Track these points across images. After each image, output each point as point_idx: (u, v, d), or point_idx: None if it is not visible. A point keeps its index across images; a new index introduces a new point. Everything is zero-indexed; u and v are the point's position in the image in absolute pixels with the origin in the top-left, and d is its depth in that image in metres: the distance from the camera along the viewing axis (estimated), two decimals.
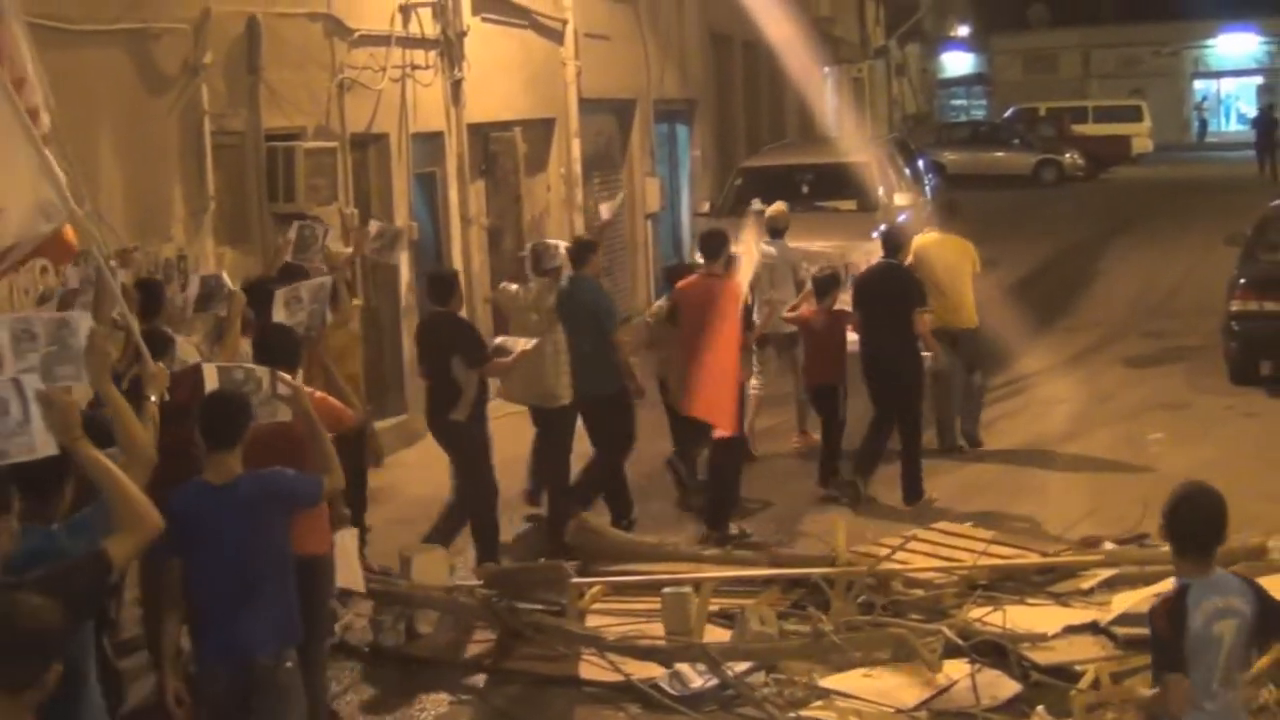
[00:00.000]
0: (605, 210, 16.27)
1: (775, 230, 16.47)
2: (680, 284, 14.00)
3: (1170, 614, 6.36)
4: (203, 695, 7.58)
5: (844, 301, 15.03)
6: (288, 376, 8.40)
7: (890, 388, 14.45)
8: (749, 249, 13.76)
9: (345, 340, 12.38)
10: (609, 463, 13.70)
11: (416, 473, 15.21)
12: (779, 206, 17.02)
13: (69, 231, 8.69)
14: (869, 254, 16.37)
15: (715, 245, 13.86)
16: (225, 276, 11.82)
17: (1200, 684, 6.32)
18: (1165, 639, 6.34)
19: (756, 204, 16.63)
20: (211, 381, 8.11)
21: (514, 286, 13.86)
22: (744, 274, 13.63)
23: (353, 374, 12.19)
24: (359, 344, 13.03)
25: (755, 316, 14.70)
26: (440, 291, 12.69)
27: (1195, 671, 6.31)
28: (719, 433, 13.15)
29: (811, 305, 14.94)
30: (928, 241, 16.19)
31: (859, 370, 14.77)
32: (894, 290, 14.54)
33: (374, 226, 14.64)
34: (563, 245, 14.06)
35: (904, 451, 14.52)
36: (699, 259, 14.35)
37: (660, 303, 14.85)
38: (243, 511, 7.51)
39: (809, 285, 15.24)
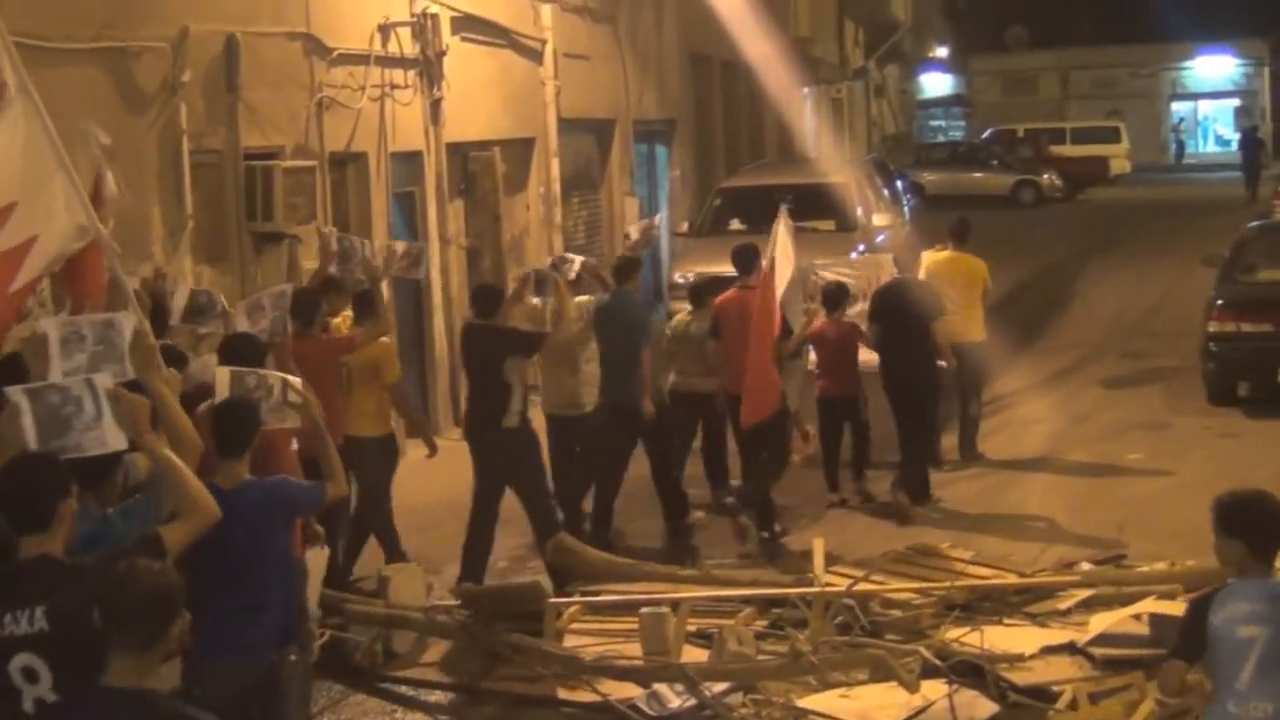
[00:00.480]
0: (635, 230, 16.16)
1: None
2: (718, 300, 14.37)
3: (1193, 604, 6.68)
4: (204, 699, 7.46)
5: (855, 315, 15.37)
6: (298, 383, 8.49)
7: (910, 397, 14.86)
8: (786, 253, 14.07)
9: (380, 352, 12.62)
10: (662, 466, 14.38)
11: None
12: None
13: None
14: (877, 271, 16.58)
15: (748, 259, 14.29)
16: (220, 297, 11.85)
17: (1221, 682, 6.48)
18: (1180, 626, 6.67)
19: (735, 224, 16.69)
20: (223, 386, 8.26)
21: (535, 300, 14.04)
22: (783, 279, 13.83)
23: (392, 384, 12.63)
24: (394, 355, 13.19)
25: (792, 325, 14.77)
26: (486, 304, 12.89)
27: (1218, 669, 6.49)
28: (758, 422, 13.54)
29: (821, 317, 15.08)
30: (941, 259, 16.60)
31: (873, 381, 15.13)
32: (912, 303, 14.90)
33: (400, 245, 14.73)
34: (579, 260, 14.54)
35: (914, 454, 14.99)
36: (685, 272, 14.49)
37: (681, 317, 15.04)
38: (248, 516, 7.56)
39: (817, 298, 15.42)
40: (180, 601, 5.34)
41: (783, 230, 14.06)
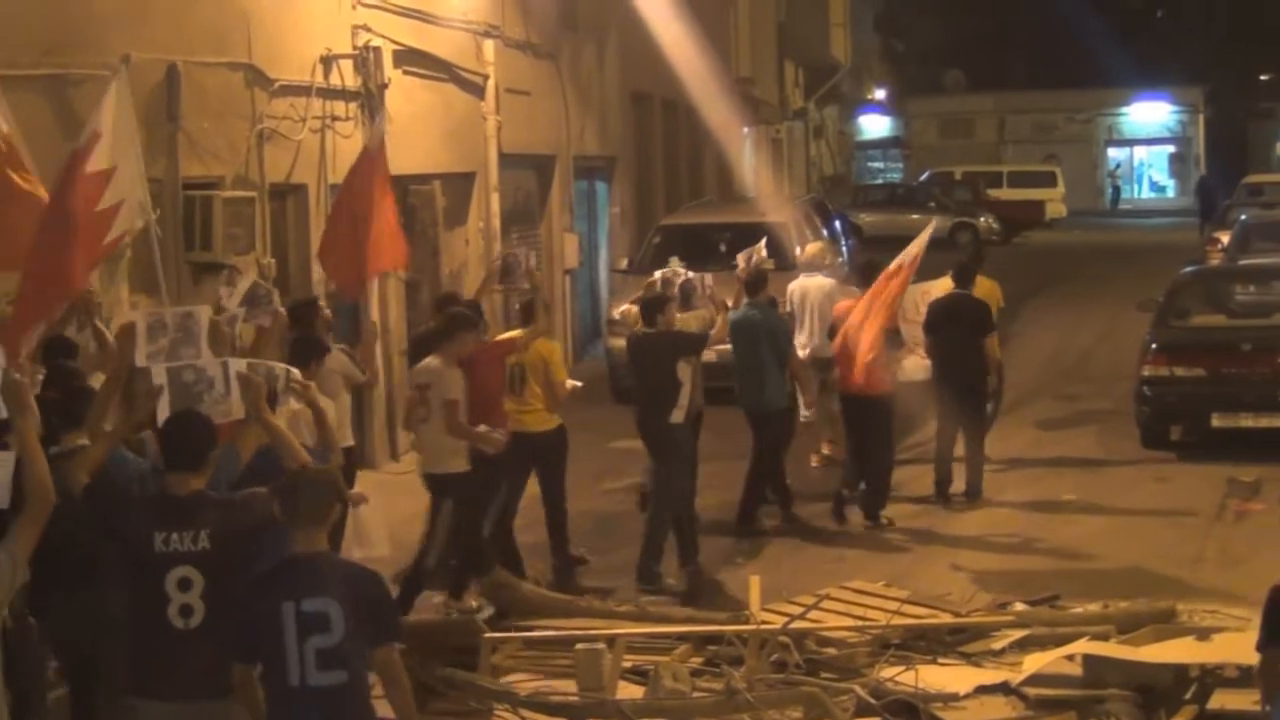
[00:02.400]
0: (741, 260, 16.20)
1: (814, 266, 18.43)
2: (836, 308, 16.49)
3: (1276, 592, 6.85)
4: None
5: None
6: (240, 364, 8.87)
7: (961, 402, 16.36)
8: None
9: (548, 350, 13.71)
10: (771, 464, 15.62)
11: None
12: (817, 245, 19.43)
13: None
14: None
15: (871, 275, 16.09)
16: (275, 292, 12.64)
17: None
18: (1264, 615, 6.86)
19: (674, 260, 16.92)
20: (160, 378, 8.61)
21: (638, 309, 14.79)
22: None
23: (556, 380, 13.65)
24: (556, 353, 14.07)
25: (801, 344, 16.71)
26: (652, 313, 13.97)
27: None
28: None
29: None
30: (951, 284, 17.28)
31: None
32: (965, 317, 16.47)
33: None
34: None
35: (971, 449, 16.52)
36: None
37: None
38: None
39: None
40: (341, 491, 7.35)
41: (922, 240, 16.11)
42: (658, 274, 15.78)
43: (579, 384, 14.40)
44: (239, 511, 7.49)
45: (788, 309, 17.92)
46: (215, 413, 8.29)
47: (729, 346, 15.36)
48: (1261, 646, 6.92)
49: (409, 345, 15.03)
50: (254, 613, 7.06)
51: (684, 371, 13.80)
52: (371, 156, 13.60)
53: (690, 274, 15.77)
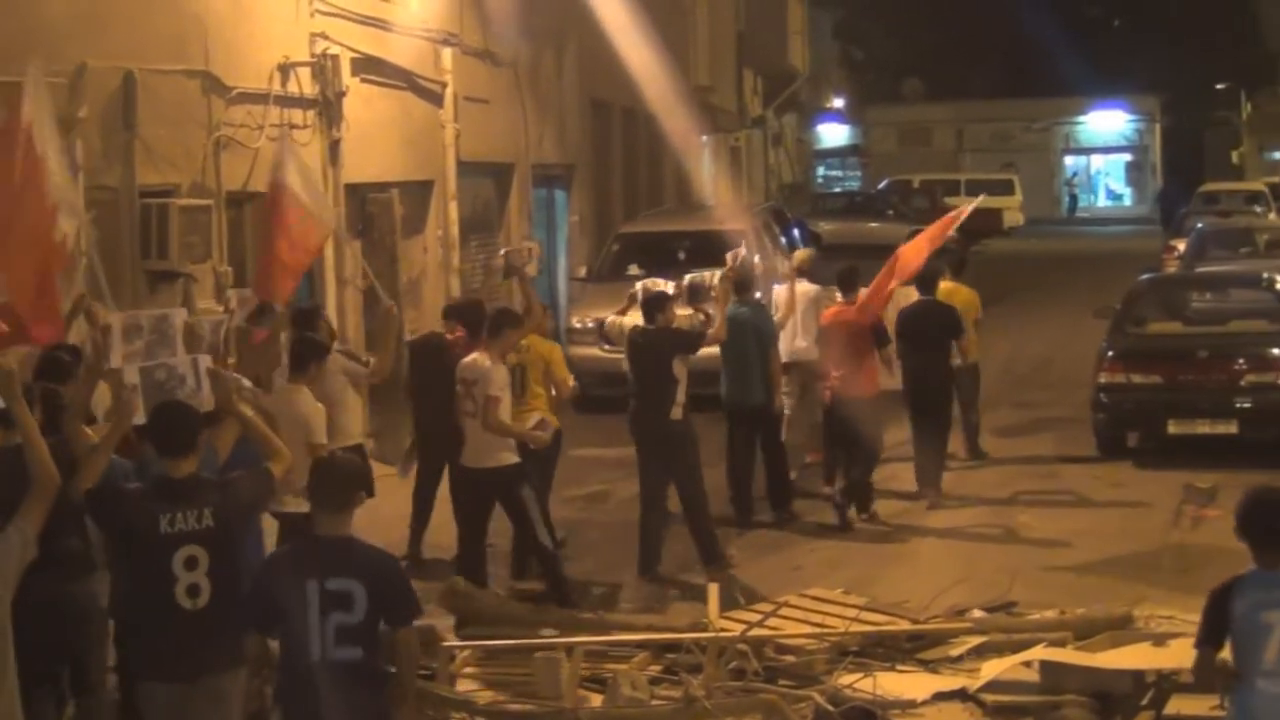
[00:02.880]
0: (729, 259, 16.08)
1: (803, 271, 18.32)
2: (823, 315, 16.85)
3: (1213, 595, 7.39)
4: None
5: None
6: (208, 360, 9.49)
7: (927, 405, 16.82)
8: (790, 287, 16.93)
9: (548, 351, 14.20)
10: (747, 461, 16.12)
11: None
12: (805, 252, 19.50)
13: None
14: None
15: (851, 280, 16.51)
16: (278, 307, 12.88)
17: (1248, 665, 7.23)
18: (1203, 616, 7.40)
19: (634, 269, 17.07)
20: (132, 378, 9.00)
21: (624, 319, 15.40)
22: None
23: (559, 379, 14.23)
24: (557, 353, 14.55)
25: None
26: (653, 311, 14.34)
27: (1242, 653, 7.25)
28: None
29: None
30: (943, 289, 17.77)
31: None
32: (934, 323, 16.98)
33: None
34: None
35: (933, 450, 16.97)
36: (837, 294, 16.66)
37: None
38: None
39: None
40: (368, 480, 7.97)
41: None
42: (638, 286, 15.78)
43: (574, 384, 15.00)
44: (236, 490, 8.04)
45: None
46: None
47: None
48: (1198, 644, 7.46)
49: (410, 351, 15.16)
50: (278, 588, 7.51)
51: (680, 369, 14.13)
52: (275, 187, 12.92)
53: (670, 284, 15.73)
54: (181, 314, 10.01)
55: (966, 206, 18.06)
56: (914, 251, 16.74)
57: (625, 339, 14.87)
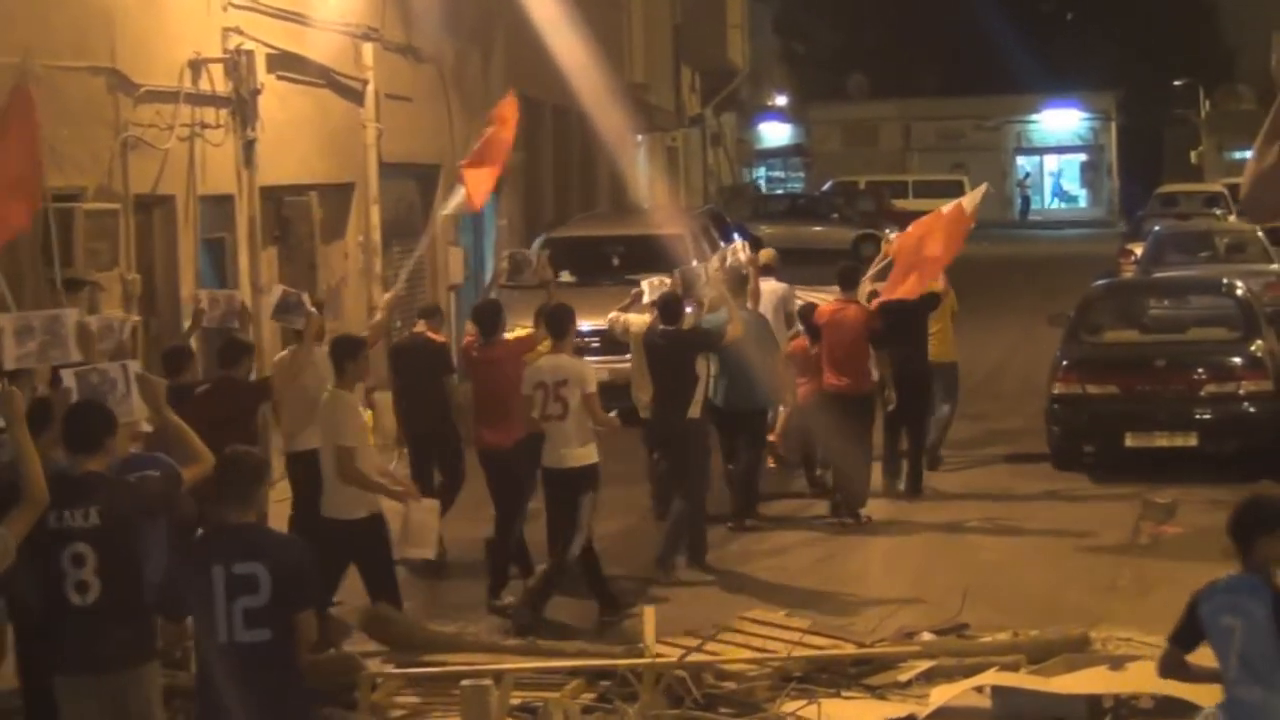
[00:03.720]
0: (716, 260, 17.22)
1: (769, 270, 18.63)
2: (820, 310, 17.33)
3: (1192, 597, 7.65)
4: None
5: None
6: (136, 365, 10.18)
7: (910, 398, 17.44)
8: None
9: None
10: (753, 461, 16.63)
11: None
12: (770, 252, 19.73)
13: None
14: None
15: (852, 277, 17.46)
16: (305, 297, 14.36)
17: (1221, 669, 7.52)
18: (1184, 613, 7.67)
19: (565, 276, 17.17)
20: (69, 381, 9.64)
21: (633, 317, 16.10)
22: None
23: None
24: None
25: None
26: (670, 312, 15.02)
27: (1219, 659, 7.54)
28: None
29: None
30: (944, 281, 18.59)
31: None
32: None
33: (205, 295, 15.35)
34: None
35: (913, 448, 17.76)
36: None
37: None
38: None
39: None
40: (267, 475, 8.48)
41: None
42: (644, 284, 16.44)
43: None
44: (130, 491, 8.51)
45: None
46: (119, 412, 9.19)
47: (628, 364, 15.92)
48: (1170, 638, 7.79)
49: (393, 354, 16.15)
50: (184, 574, 8.09)
51: (701, 367, 15.11)
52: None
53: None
54: (73, 314, 10.54)
55: (976, 193, 19.25)
56: (938, 246, 17.74)
57: (633, 337, 15.76)
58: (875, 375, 17.13)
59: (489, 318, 14.34)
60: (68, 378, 9.74)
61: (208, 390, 12.95)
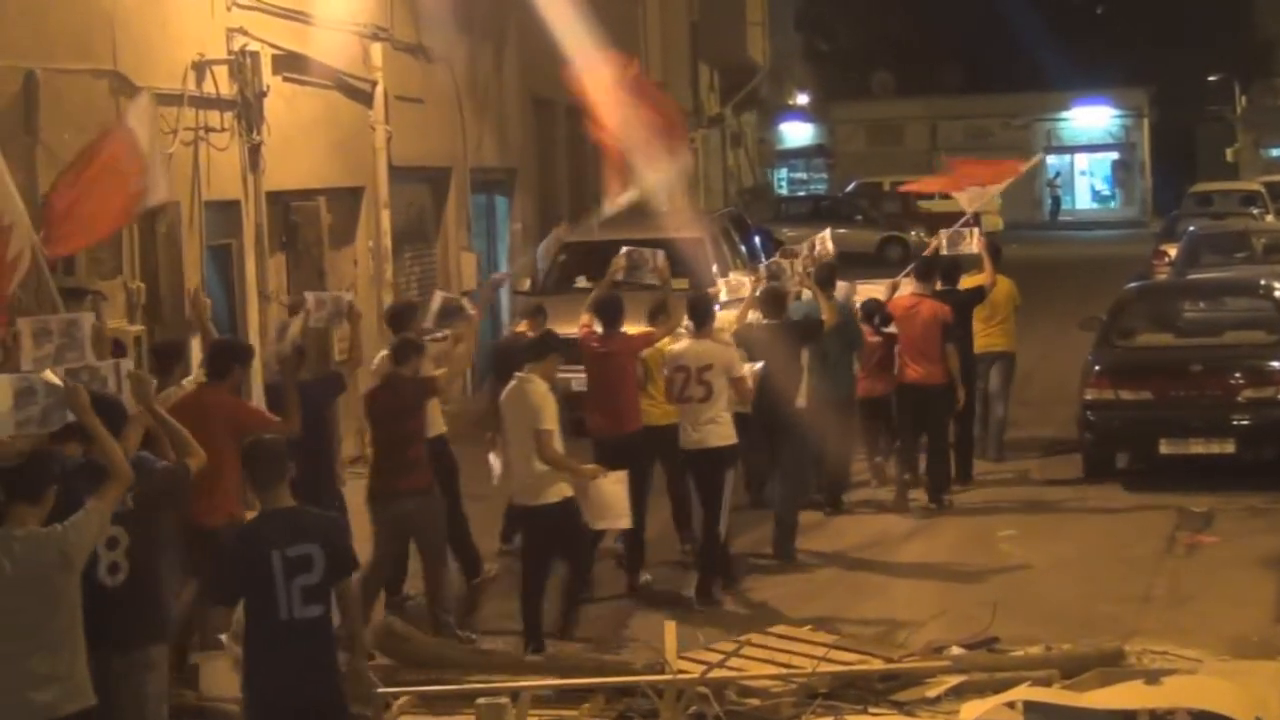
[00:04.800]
0: (805, 248, 17.92)
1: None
2: (895, 303, 18.18)
3: None
4: None
5: None
6: (129, 363, 10.58)
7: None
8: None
9: (662, 349, 15.16)
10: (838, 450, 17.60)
11: None
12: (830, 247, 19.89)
13: None
14: None
15: (929, 271, 18.48)
16: (465, 301, 15.63)
17: None
18: None
19: (582, 281, 17.38)
20: (56, 380, 9.64)
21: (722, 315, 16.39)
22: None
23: None
24: None
25: None
26: (774, 306, 16.02)
27: None
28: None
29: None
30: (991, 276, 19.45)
31: None
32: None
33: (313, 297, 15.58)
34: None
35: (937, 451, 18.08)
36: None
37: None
38: None
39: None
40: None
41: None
42: (721, 283, 17.90)
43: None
44: (159, 477, 9.24)
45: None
46: (54, 419, 9.51)
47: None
48: None
49: (493, 352, 17.39)
50: (243, 561, 8.92)
51: (805, 358, 16.01)
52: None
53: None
54: (89, 318, 11.24)
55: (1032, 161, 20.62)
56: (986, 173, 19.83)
57: (740, 336, 16.04)
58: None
59: (611, 311, 14.98)
60: (55, 376, 9.72)
61: (378, 387, 13.77)
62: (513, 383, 13.24)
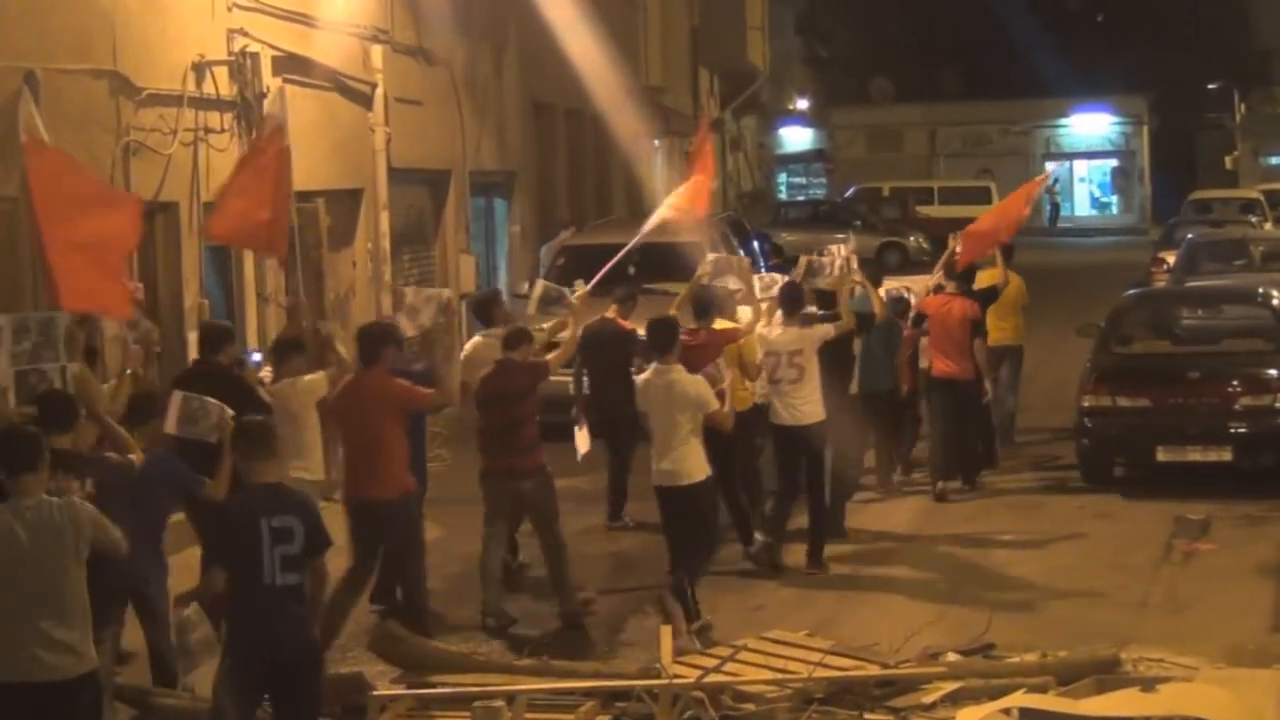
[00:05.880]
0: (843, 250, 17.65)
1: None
2: (927, 301, 18.91)
3: None
4: None
5: None
6: (75, 367, 11.60)
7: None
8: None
9: (747, 344, 15.90)
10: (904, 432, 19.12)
11: None
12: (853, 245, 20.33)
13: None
14: None
15: (967, 270, 18.98)
16: (569, 291, 16.05)
17: None
18: None
19: (580, 284, 17.34)
20: (6, 381, 11.04)
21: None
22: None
23: (749, 361, 15.80)
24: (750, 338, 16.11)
25: None
26: (825, 300, 16.65)
27: None
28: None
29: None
30: (990, 275, 19.64)
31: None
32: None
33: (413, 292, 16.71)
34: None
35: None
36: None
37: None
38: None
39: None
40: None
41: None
42: (801, 259, 17.57)
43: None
44: (105, 470, 10.98)
45: None
46: None
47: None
48: None
49: (582, 339, 16.94)
50: (236, 528, 9.56)
51: (854, 348, 17.01)
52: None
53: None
54: (64, 318, 11.71)
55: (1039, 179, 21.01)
56: (986, 222, 20.01)
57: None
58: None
59: (705, 305, 15.62)
60: (4, 377, 11.16)
61: (490, 372, 14.25)
62: (650, 375, 13.79)
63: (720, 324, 15.70)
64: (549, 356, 14.57)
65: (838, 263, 17.10)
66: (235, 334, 15.13)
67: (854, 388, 17.24)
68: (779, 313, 15.77)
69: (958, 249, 19.45)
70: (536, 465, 14.06)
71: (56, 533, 8.76)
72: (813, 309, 16.76)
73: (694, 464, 13.61)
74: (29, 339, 11.24)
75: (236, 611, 9.63)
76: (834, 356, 16.08)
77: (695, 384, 13.60)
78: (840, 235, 19.65)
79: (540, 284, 17.08)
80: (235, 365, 13.92)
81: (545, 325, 16.00)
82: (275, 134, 15.39)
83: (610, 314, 17.39)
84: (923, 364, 18.95)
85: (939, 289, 18.95)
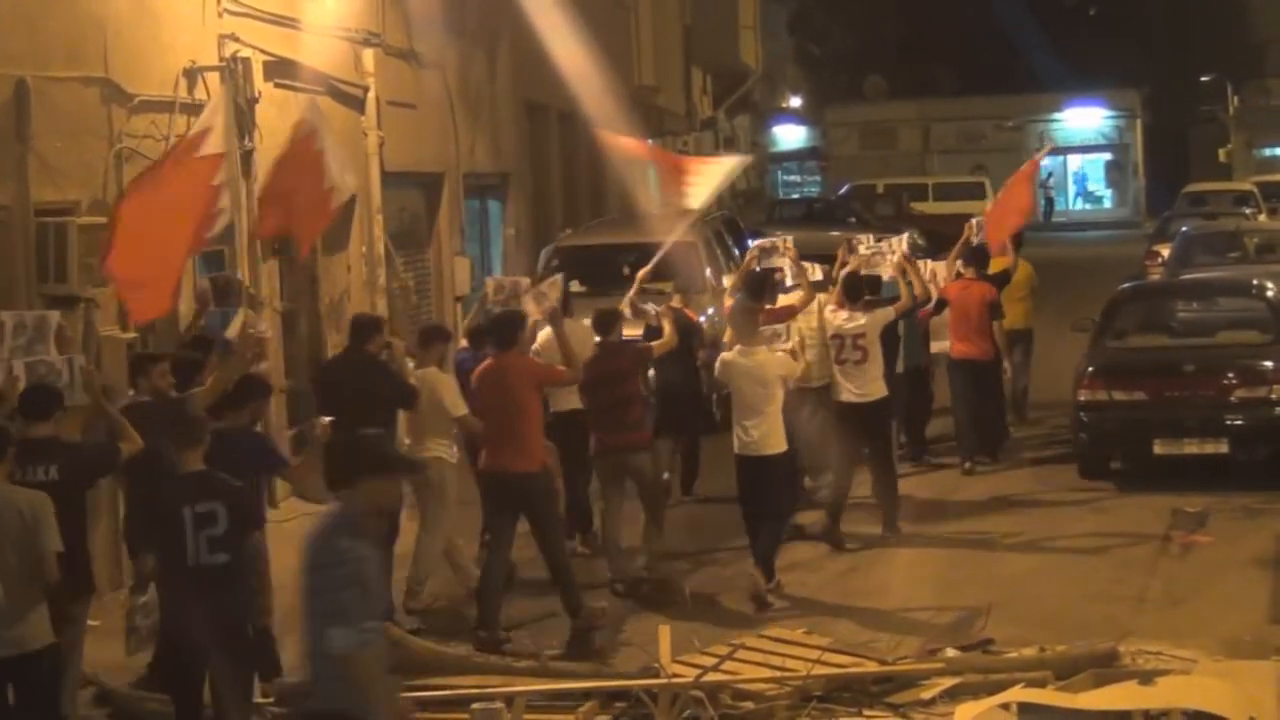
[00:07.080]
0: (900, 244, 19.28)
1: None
2: (948, 287, 19.85)
3: None
4: None
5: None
6: (82, 359, 12.60)
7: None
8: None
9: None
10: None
11: None
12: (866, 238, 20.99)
13: None
14: None
15: (982, 257, 20.15)
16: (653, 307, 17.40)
17: None
18: None
19: (575, 286, 17.74)
20: (18, 370, 11.98)
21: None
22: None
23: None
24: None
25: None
26: (860, 289, 17.08)
27: None
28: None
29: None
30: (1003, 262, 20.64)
31: None
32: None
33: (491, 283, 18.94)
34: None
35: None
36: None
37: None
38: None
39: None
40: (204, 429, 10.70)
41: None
42: (754, 244, 19.35)
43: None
44: (82, 453, 11.42)
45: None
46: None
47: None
48: None
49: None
50: (160, 515, 10.31)
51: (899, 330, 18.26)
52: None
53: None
54: (55, 316, 12.75)
55: (1042, 153, 23.43)
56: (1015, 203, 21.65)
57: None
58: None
59: (759, 285, 17.04)
60: (17, 367, 12.05)
61: (595, 355, 15.17)
62: (735, 355, 14.92)
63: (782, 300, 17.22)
64: (654, 344, 15.98)
65: (896, 256, 18.49)
66: (384, 325, 16.19)
67: (900, 365, 18.59)
68: (839, 299, 16.85)
69: (973, 239, 20.43)
70: (645, 440, 15.42)
71: (14, 516, 10.02)
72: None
73: (778, 437, 14.73)
74: (25, 334, 12.28)
75: (166, 592, 10.55)
76: (881, 337, 16.92)
77: (780, 362, 14.87)
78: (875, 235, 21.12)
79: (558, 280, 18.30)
80: (383, 353, 15.02)
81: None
82: (310, 138, 16.95)
83: (676, 302, 18.20)
84: (934, 346, 20.33)
85: (957, 276, 19.97)
